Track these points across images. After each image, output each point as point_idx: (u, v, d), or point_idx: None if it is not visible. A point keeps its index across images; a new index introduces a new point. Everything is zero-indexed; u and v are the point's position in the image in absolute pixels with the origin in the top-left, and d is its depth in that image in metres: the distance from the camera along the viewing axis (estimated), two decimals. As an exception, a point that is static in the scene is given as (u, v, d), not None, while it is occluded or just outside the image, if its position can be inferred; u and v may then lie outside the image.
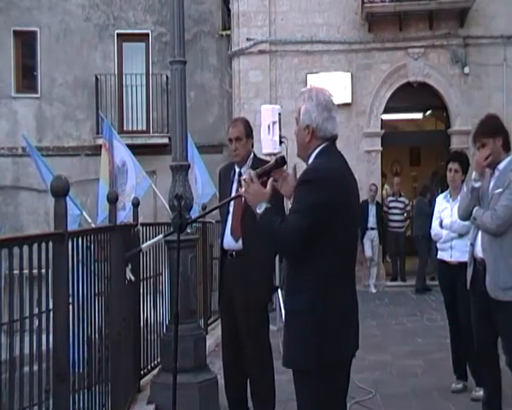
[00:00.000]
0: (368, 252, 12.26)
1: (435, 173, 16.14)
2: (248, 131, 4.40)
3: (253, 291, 4.19)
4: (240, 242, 4.26)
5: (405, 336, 7.92)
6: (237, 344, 4.34)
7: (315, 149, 2.83)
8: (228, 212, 4.35)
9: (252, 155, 4.40)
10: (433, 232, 5.57)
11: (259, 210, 2.76)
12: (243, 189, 2.85)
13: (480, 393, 4.71)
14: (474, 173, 4.20)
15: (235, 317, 4.31)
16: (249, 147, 4.39)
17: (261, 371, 4.33)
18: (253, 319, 4.26)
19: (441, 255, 5.47)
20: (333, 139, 2.86)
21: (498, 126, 4.13)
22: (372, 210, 12.30)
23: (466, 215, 4.34)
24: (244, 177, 2.86)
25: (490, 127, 4.12)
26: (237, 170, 4.39)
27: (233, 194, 4.27)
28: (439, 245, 5.55)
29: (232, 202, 4.27)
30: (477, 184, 4.16)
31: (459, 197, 4.85)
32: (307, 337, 2.69)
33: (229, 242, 4.33)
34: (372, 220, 12.29)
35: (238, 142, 4.34)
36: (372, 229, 12.29)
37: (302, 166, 2.91)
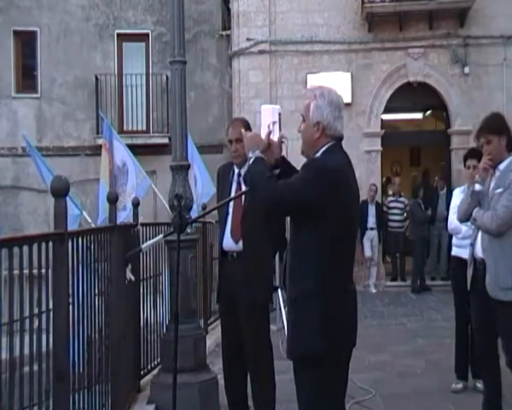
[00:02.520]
0: (367, 252, 12.26)
1: (426, 172, 16.28)
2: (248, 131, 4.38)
3: (255, 292, 4.18)
4: (240, 243, 4.25)
5: (405, 336, 7.91)
6: (237, 344, 4.34)
7: (322, 147, 2.84)
8: (227, 213, 4.34)
9: None
10: (450, 226, 5.46)
11: (251, 154, 2.82)
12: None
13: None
14: (476, 177, 4.21)
15: (236, 317, 4.30)
16: None
17: (262, 370, 4.32)
18: (255, 319, 4.26)
19: (458, 252, 5.36)
20: (340, 139, 2.87)
21: (504, 125, 4.13)
22: (372, 210, 12.31)
23: (465, 218, 4.35)
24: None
25: (496, 125, 4.11)
26: (236, 170, 4.38)
27: (232, 194, 4.26)
28: (456, 241, 5.47)
29: (231, 203, 4.26)
30: (478, 188, 4.16)
31: None
32: (313, 322, 2.71)
33: (229, 243, 4.31)
34: (372, 220, 12.30)
35: (238, 143, 4.30)
36: (372, 229, 12.30)
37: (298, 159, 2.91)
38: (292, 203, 2.70)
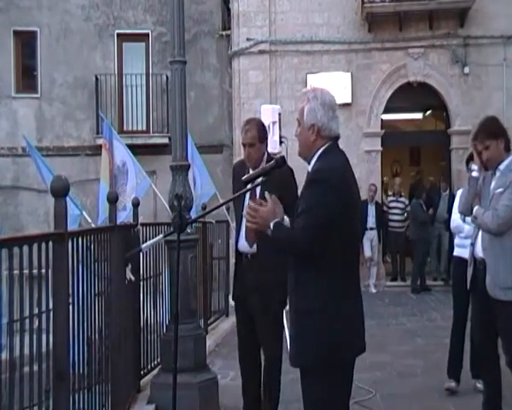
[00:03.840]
0: (367, 252, 12.23)
1: (418, 172, 16.35)
2: (261, 135, 4.31)
3: (269, 295, 4.16)
4: (255, 246, 4.23)
5: (405, 336, 7.92)
6: (253, 342, 4.32)
7: (319, 149, 2.84)
8: (242, 216, 4.32)
9: (265, 156, 4.33)
10: (453, 224, 5.45)
11: (269, 231, 2.74)
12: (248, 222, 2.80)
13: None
14: (473, 166, 4.32)
15: (248, 317, 4.30)
16: (263, 150, 4.32)
17: (274, 368, 4.31)
18: (268, 322, 4.24)
19: (460, 253, 5.32)
20: (336, 138, 2.87)
21: (500, 128, 4.16)
22: (371, 210, 12.29)
23: (466, 209, 4.36)
24: (245, 212, 2.82)
25: (493, 129, 4.13)
26: (251, 172, 4.34)
27: (247, 197, 4.20)
28: (458, 241, 5.45)
29: (246, 206, 4.25)
30: (475, 174, 4.22)
31: None
32: (315, 336, 2.70)
33: (244, 246, 4.30)
34: (371, 220, 12.28)
35: (251, 148, 4.26)
36: (371, 229, 12.28)
37: (298, 166, 2.91)
38: (319, 241, 2.67)
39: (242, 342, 4.43)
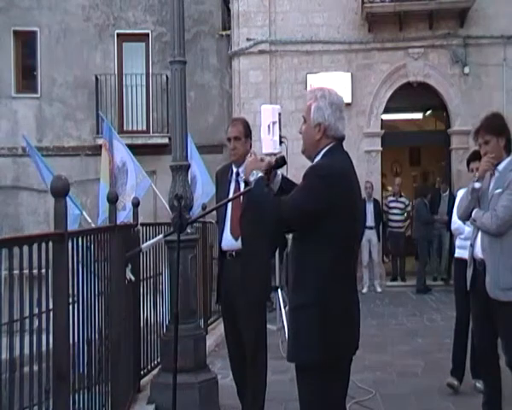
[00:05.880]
0: (365, 253, 12.06)
1: (425, 174, 16.37)
2: (247, 131, 4.44)
3: (252, 292, 4.18)
4: (239, 241, 4.26)
5: (405, 336, 7.92)
6: (243, 348, 4.31)
7: (323, 148, 2.83)
8: (226, 212, 4.36)
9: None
10: (453, 226, 5.45)
11: (252, 177, 2.82)
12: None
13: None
14: (476, 174, 4.23)
15: (234, 317, 4.31)
16: (247, 147, 4.42)
17: (256, 370, 4.31)
18: (251, 319, 4.25)
19: (461, 254, 5.29)
20: (341, 139, 2.87)
21: (504, 126, 4.12)
22: (369, 208, 12.11)
23: (465, 216, 4.35)
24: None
25: (496, 125, 4.09)
26: (235, 170, 4.41)
27: (231, 193, 4.28)
28: (459, 242, 5.44)
29: (230, 203, 4.28)
30: (477, 185, 4.17)
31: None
32: (312, 333, 2.70)
33: (229, 242, 4.32)
34: (370, 218, 12.09)
35: (237, 141, 4.37)
36: (370, 228, 12.09)
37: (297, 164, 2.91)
38: (298, 218, 2.70)
39: (232, 349, 4.43)
